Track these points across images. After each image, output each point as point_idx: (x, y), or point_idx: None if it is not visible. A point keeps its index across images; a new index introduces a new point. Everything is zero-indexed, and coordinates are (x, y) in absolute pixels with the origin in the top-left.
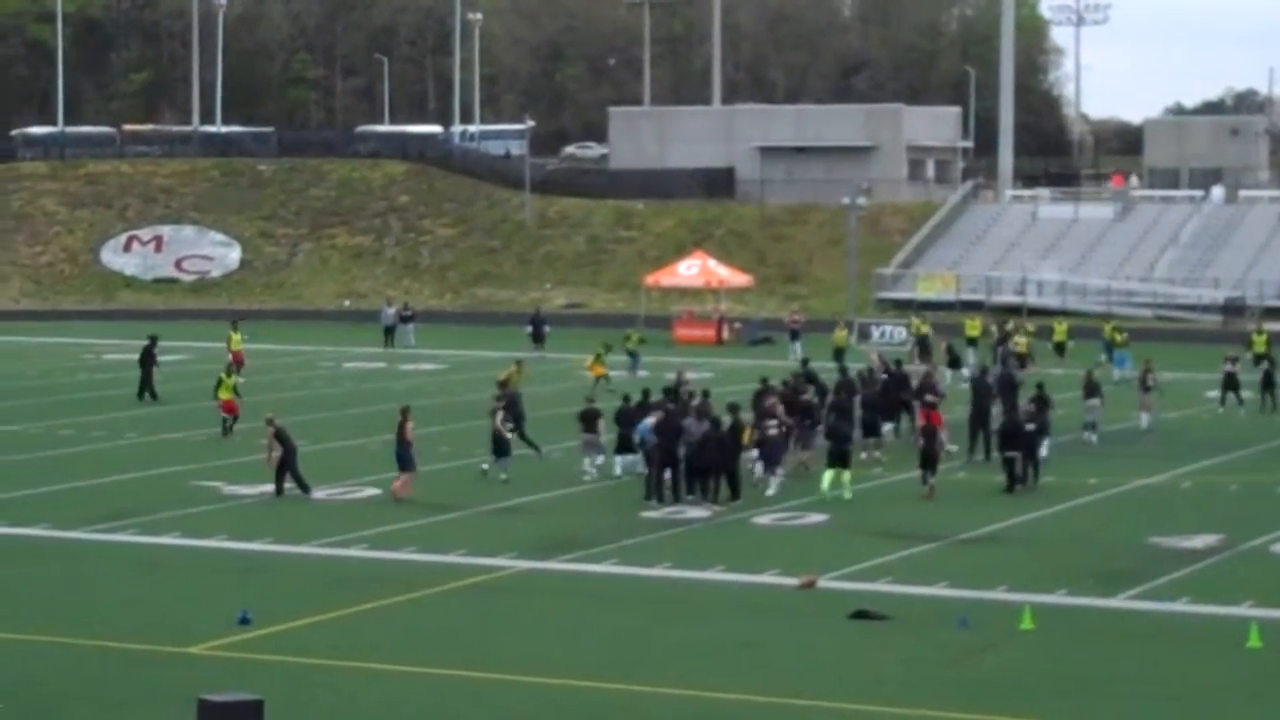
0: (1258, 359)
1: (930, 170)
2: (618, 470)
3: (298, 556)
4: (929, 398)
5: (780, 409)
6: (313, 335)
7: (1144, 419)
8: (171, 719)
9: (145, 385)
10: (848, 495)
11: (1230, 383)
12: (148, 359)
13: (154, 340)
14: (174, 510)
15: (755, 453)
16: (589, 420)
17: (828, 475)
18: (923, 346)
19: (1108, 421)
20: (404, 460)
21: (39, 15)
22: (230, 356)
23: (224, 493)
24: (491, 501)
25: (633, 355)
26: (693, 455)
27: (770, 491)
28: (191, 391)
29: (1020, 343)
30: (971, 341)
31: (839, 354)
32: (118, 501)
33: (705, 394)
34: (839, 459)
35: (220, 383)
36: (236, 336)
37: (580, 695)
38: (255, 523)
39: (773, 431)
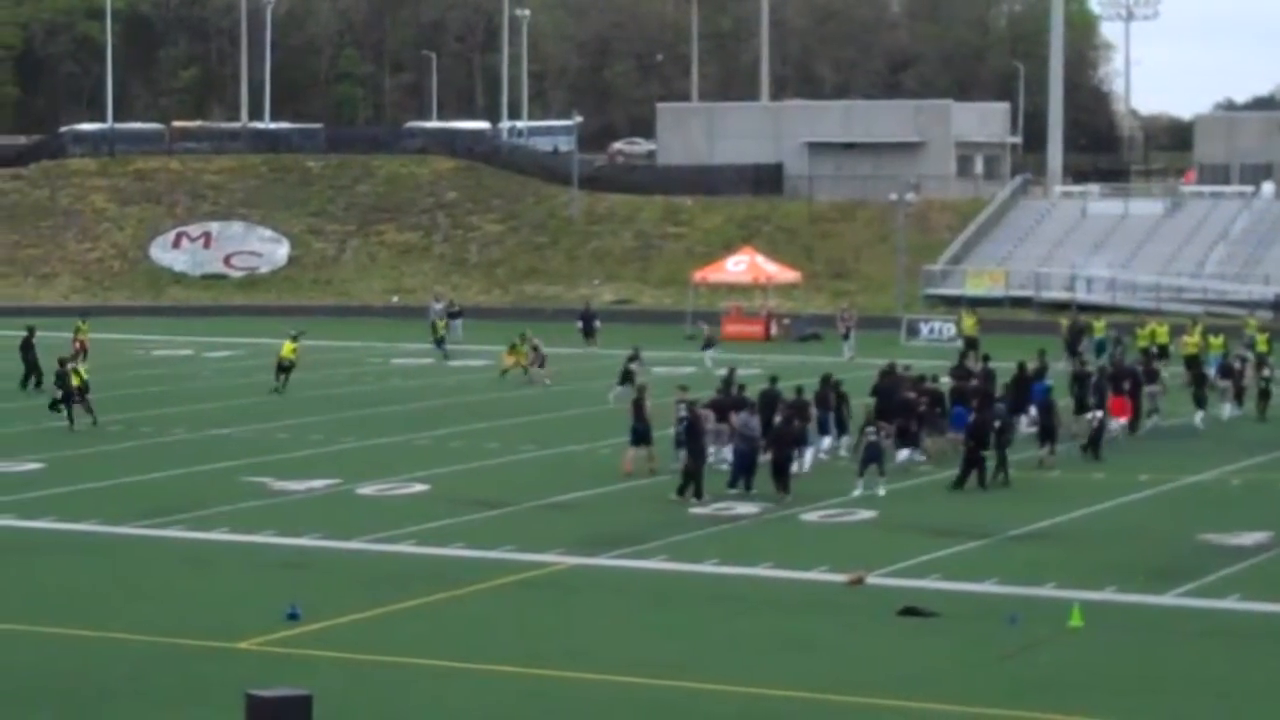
0: (1260, 361)
1: (979, 166)
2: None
3: (346, 552)
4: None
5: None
6: (361, 331)
7: (1225, 409)
8: (220, 714)
9: (30, 373)
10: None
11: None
12: (27, 347)
13: (32, 330)
14: (222, 506)
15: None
16: (721, 410)
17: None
18: (970, 345)
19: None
20: (640, 435)
21: (89, 12)
22: (75, 345)
23: (272, 488)
24: (539, 497)
25: (534, 349)
26: (748, 451)
27: (880, 491)
28: (240, 388)
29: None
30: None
31: (971, 344)
32: (167, 497)
33: (742, 388)
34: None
35: (72, 374)
36: (84, 326)
37: (628, 691)
38: (303, 518)
39: (873, 438)
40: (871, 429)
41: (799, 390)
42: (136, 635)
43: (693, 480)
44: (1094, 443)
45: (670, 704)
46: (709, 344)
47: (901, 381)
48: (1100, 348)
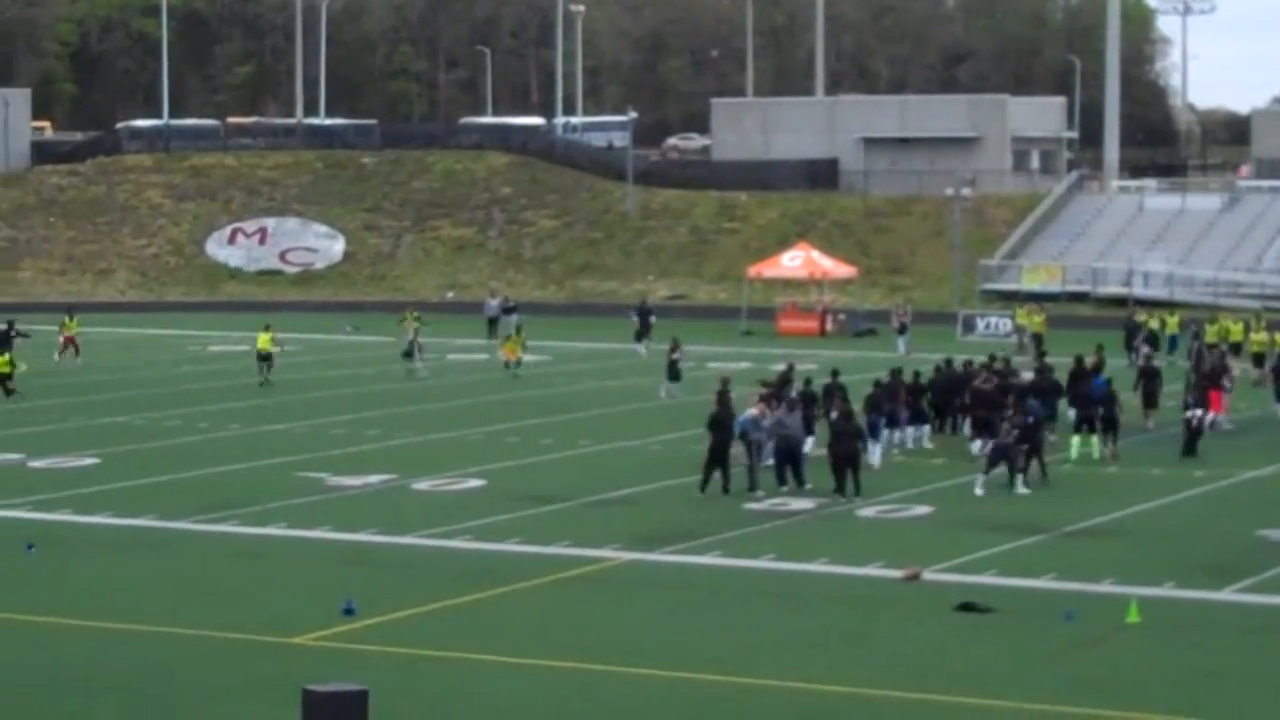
0: (1257, 360)
1: (1035, 161)
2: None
3: (402, 548)
4: (1225, 381)
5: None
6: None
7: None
8: (276, 709)
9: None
10: (1096, 454)
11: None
12: (6, 340)
13: (11, 324)
14: (279, 501)
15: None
16: (875, 402)
17: (1075, 440)
18: (1036, 341)
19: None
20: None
21: (144, 9)
22: (62, 340)
23: (328, 484)
24: (594, 493)
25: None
26: (786, 448)
27: (1023, 490)
28: (294, 383)
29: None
30: (1173, 336)
31: (1038, 339)
32: (223, 492)
33: (808, 382)
34: (1086, 425)
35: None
36: (71, 323)
37: (684, 687)
38: (359, 514)
39: (1009, 439)
40: (1005, 426)
41: (807, 382)
42: (193, 630)
43: (720, 469)
44: (1193, 441)
45: (724, 700)
46: (640, 336)
47: (965, 376)
48: (1172, 344)
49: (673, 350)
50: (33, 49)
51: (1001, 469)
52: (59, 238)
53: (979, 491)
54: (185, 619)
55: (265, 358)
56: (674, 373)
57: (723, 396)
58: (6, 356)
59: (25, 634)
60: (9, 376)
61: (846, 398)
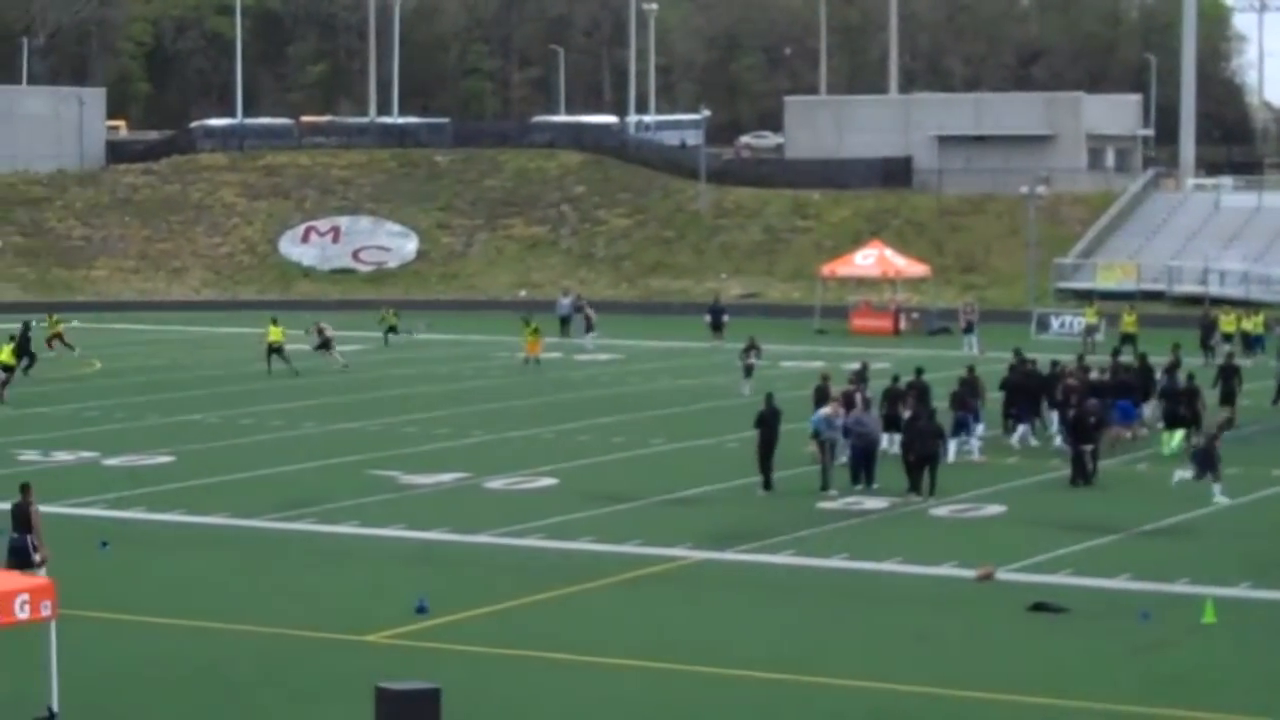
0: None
1: (1110, 159)
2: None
3: (474, 546)
4: None
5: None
6: (488, 325)
7: None
8: (350, 707)
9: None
10: (1166, 451)
11: None
12: (24, 340)
13: (28, 325)
14: (351, 499)
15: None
16: (961, 399)
17: (1166, 435)
18: (1126, 341)
19: None
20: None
21: (218, 8)
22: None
23: (401, 482)
24: (667, 491)
25: (392, 330)
26: (863, 447)
27: (1221, 499)
28: (367, 382)
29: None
30: (1227, 336)
31: (1128, 339)
32: (296, 490)
33: (895, 379)
34: (1175, 421)
35: None
36: (55, 320)
37: (755, 686)
38: (432, 512)
39: (1204, 443)
40: (1213, 430)
41: (894, 379)
42: (266, 628)
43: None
44: None
45: (796, 699)
46: (590, 327)
47: (1053, 374)
48: (1258, 343)
49: (747, 350)
50: (108, 49)
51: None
52: (134, 236)
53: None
54: (258, 617)
55: (277, 349)
56: (749, 371)
57: (820, 392)
58: (8, 349)
59: (99, 631)
60: (11, 368)
61: (924, 397)
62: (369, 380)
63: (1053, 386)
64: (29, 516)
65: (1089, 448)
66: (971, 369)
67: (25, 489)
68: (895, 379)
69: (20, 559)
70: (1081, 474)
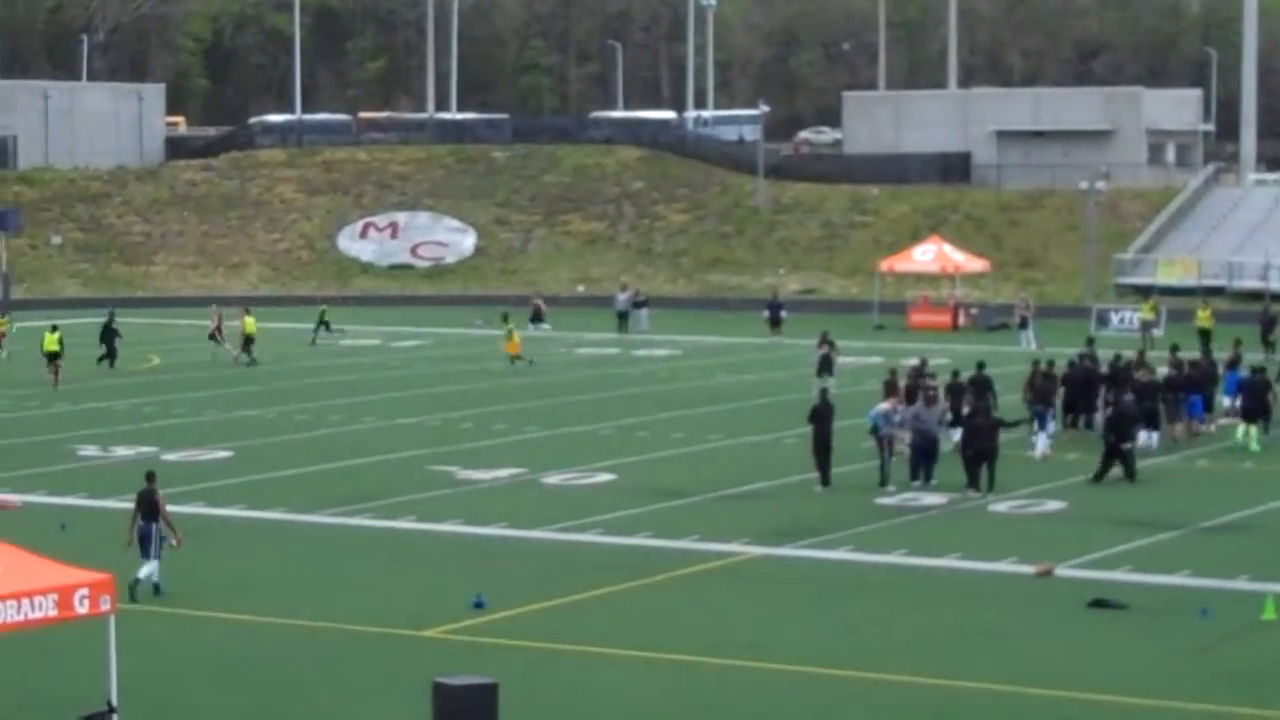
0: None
1: (1170, 154)
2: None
3: (531, 541)
4: None
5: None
6: (547, 320)
7: None
8: (408, 701)
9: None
10: (1255, 447)
11: None
12: (109, 332)
13: (113, 315)
14: (410, 494)
15: None
16: (1043, 393)
17: (1241, 429)
18: (1204, 337)
19: None
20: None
21: (277, 4)
22: None
23: (458, 477)
24: (725, 487)
25: (324, 325)
26: (923, 444)
27: None
28: (426, 377)
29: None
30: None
31: (1204, 334)
32: (354, 485)
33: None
34: (1252, 415)
35: None
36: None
37: (814, 682)
38: (489, 507)
39: None
40: None
41: (955, 374)
42: (324, 622)
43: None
44: None
45: (855, 695)
46: (537, 316)
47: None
48: None
49: (821, 344)
50: (167, 45)
51: None
52: (192, 232)
53: None
54: (317, 612)
55: (250, 340)
56: (826, 366)
57: (889, 386)
58: (57, 334)
59: (159, 625)
60: (57, 355)
61: (983, 392)
62: (426, 376)
63: (1112, 381)
64: (155, 504)
65: (1128, 446)
66: (1051, 363)
67: (151, 477)
68: (956, 374)
69: (145, 547)
70: (1106, 471)
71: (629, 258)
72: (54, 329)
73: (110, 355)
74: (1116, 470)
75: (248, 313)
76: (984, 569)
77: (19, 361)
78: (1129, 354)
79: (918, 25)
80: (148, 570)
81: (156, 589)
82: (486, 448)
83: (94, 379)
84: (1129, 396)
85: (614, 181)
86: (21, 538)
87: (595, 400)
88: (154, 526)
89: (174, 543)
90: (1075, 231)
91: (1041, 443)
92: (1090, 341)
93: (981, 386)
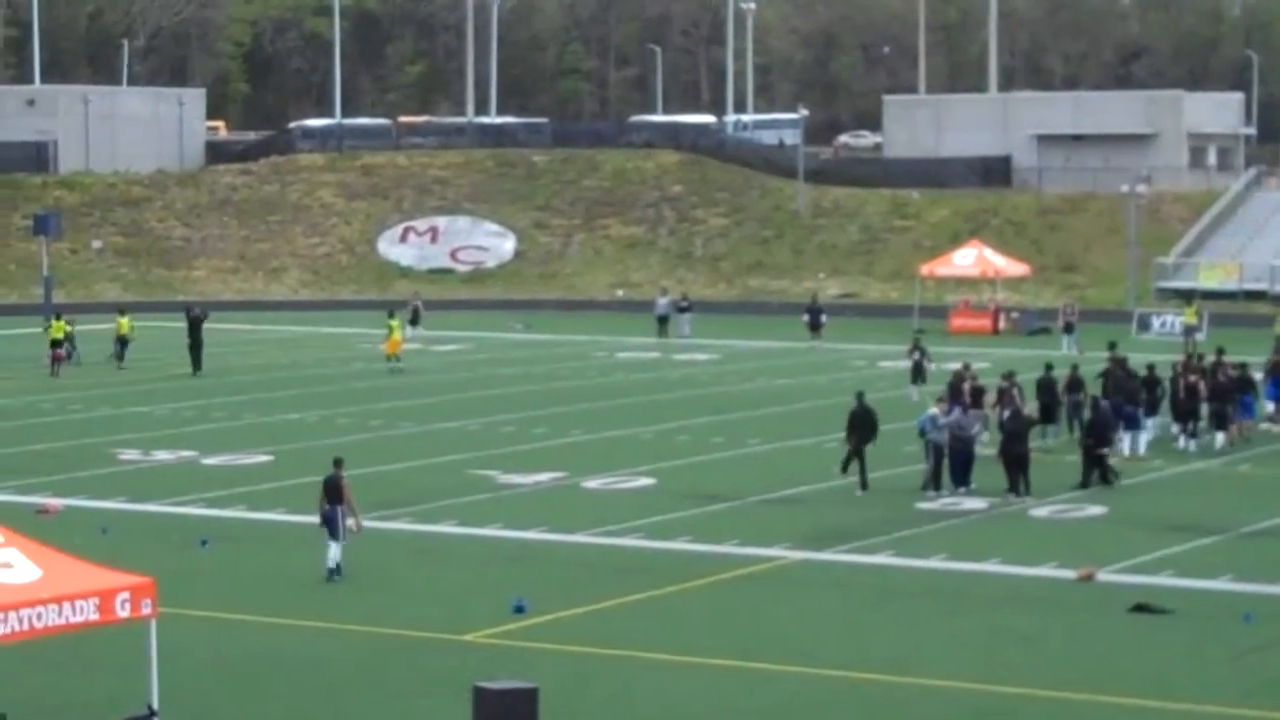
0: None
1: (1212, 157)
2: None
3: (572, 545)
4: None
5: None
6: (587, 325)
7: None
8: (448, 706)
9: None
10: None
11: None
12: (196, 331)
13: (198, 315)
14: (450, 499)
15: None
16: (1132, 395)
17: None
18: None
19: None
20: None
21: (317, 9)
22: None
23: (499, 481)
24: (765, 491)
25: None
26: (961, 450)
27: None
28: (466, 381)
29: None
30: None
31: None
32: (394, 489)
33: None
34: None
35: None
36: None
37: (854, 687)
38: (530, 512)
39: None
40: None
41: (1007, 375)
42: (364, 626)
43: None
44: None
45: (895, 700)
46: (415, 318)
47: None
48: None
49: (912, 350)
50: (207, 50)
51: None
52: (232, 236)
53: None
54: (357, 615)
55: (123, 341)
56: (919, 373)
57: (1001, 393)
58: (62, 322)
59: (200, 629)
60: (60, 343)
61: (1019, 397)
62: (466, 380)
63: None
64: (340, 489)
65: (1105, 451)
66: (1124, 363)
67: (338, 463)
68: (1008, 375)
69: (332, 529)
70: (1091, 477)
71: (668, 262)
72: (59, 316)
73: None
74: (1167, 473)
75: (122, 313)
76: (1025, 574)
77: (68, 366)
78: (1162, 360)
79: (958, 28)
80: (335, 552)
81: (337, 569)
82: (527, 452)
83: (132, 382)
84: (1105, 403)
85: (653, 186)
86: (63, 542)
87: (635, 404)
88: (339, 510)
89: (353, 527)
90: (1116, 235)
91: (1140, 442)
92: (1113, 346)
93: (1072, 385)
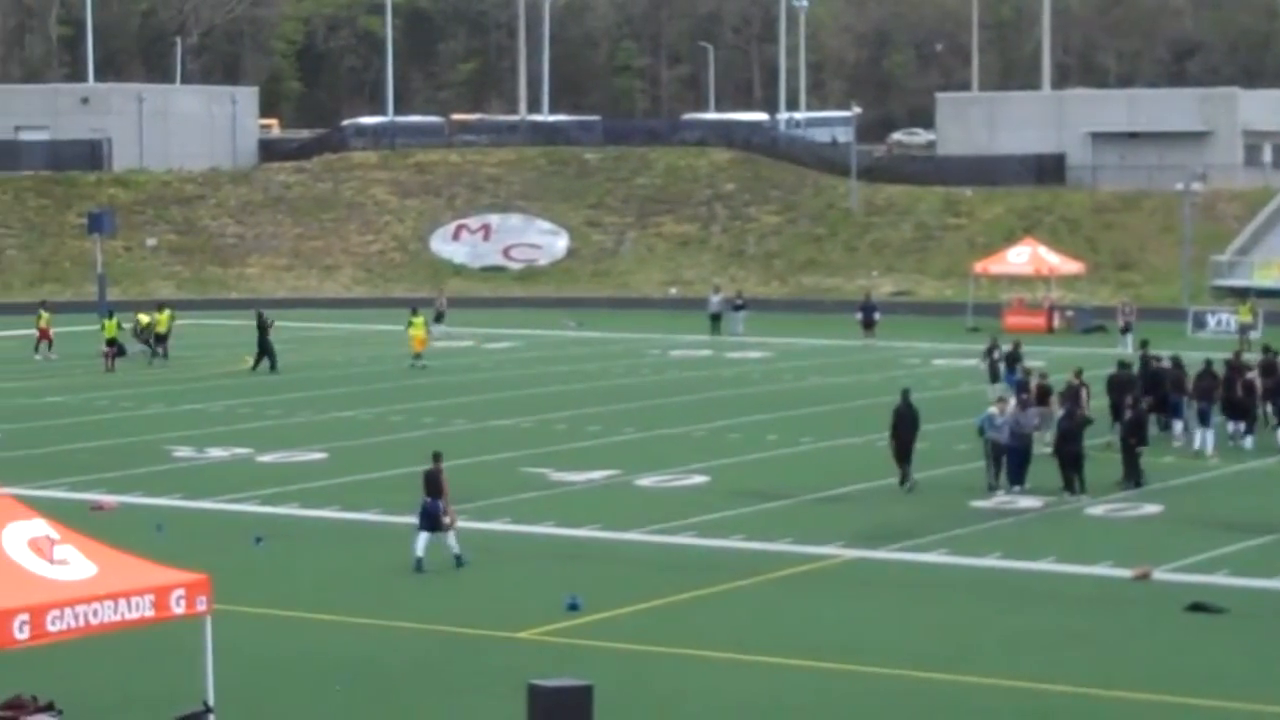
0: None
1: (1267, 155)
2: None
3: (626, 543)
4: None
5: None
6: (639, 323)
7: None
8: (503, 703)
9: (265, 355)
10: None
11: None
12: (264, 331)
13: (268, 319)
14: (503, 496)
15: None
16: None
17: None
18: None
19: None
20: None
21: (369, 7)
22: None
23: (552, 479)
24: (819, 489)
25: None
26: (1019, 448)
27: None
28: (519, 379)
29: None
30: None
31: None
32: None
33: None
34: None
35: None
36: (46, 316)
37: (908, 685)
38: (583, 509)
39: None
40: None
41: (1078, 373)
42: (418, 624)
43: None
44: None
45: (949, 698)
46: (439, 316)
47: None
48: None
49: (990, 350)
50: (260, 48)
51: None
52: (286, 234)
53: None
54: (411, 613)
55: (127, 339)
56: (995, 373)
57: (1067, 391)
58: (166, 314)
59: (254, 626)
60: (164, 337)
61: (1079, 397)
62: (519, 378)
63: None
64: (440, 483)
65: (1142, 450)
66: (1208, 361)
67: (437, 457)
68: (1079, 372)
69: (431, 522)
70: (1135, 474)
71: (721, 260)
72: (111, 314)
73: (266, 358)
74: (1223, 471)
75: (160, 309)
76: (1080, 572)
77: (123, 362)
78: (1217, 357)
79: (1011, 26)
80: (423, 542)
81: (458, 560)
82: (580, 449)
83: (186, 380)
84: (1145, 402)
85: (706, 183)
86: (118, 539)
87: (689, 402)
88: (439, 504)
89: (447, 521)
90: (1171, 233)
91: (1207, 440)
92: (1145, 344)
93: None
